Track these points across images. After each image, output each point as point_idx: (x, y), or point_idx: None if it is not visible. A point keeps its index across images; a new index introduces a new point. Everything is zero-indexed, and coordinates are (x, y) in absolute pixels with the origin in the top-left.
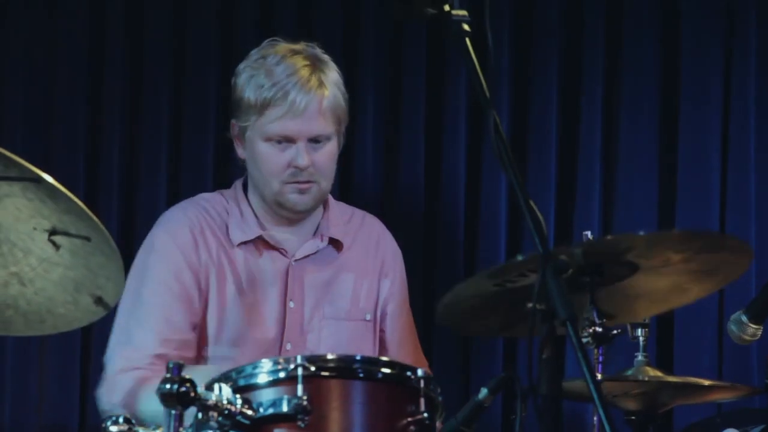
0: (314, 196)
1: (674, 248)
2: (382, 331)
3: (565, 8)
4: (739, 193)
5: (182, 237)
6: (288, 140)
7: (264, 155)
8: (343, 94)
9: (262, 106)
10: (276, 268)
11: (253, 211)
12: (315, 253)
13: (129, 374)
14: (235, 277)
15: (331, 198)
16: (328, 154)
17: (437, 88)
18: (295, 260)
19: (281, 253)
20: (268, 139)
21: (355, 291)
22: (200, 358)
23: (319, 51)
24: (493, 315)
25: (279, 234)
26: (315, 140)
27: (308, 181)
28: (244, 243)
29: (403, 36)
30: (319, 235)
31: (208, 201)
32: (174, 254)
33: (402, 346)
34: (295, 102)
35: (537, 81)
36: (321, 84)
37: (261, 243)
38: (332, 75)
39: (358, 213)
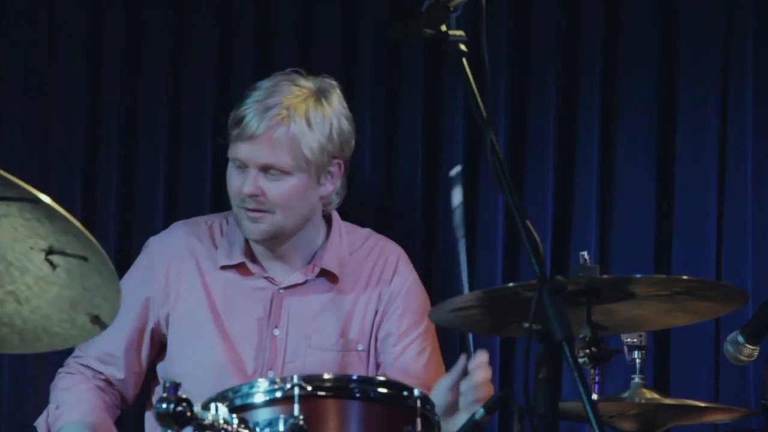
0: (269, 228)
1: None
2: (393, 363)
3: (563, 29)
4: (736, 213)
5: (158, 263)
6: (243, 164)
7: (228, 176)
8: (325, 136)
9: (230, 126)
10: (261, 295)
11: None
12: (303, 283)
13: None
14: (211, 300)
15: (339, 226)
16: (286, 188)
17: (435, 99)
18: (282, 288)
19: (268, 280)
20: (232, 160)
21: (347, 321)
22: (158, 379)
23: (332, 92)
24: (486, 316)
25: (267, 261)
26: (269, 171)
27: (258, 210)
28: (228, 267)
29: (402, 47)
30: (312, 265)
31: (206, 222)
32: (144, 280)
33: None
34: (249, 125)
35: (534, 101)
36: (290, 115)
37: (246, 269)
38: (319, 114)
39: (373, 241)
